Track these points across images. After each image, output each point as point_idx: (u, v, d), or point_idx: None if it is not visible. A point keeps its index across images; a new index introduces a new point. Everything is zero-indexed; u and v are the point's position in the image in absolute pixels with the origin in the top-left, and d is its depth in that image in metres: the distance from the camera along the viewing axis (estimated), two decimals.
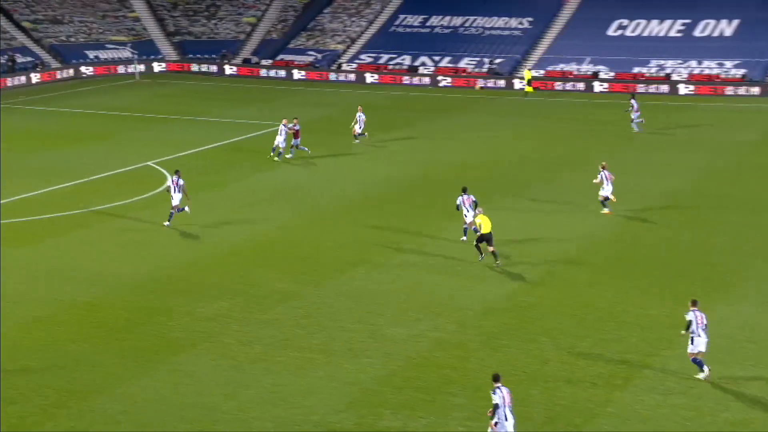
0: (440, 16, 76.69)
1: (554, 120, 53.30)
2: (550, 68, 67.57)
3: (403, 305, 24.62)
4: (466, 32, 74.44)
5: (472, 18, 75.60)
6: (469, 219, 29.08)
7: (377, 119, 53.82)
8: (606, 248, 29.11)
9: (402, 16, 77.99)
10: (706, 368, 20.05)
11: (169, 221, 31.58)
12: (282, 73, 72.97)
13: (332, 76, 71.41)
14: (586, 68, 66.85)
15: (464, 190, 29.74)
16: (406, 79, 69.11)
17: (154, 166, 41.41)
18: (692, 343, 20.10)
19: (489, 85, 66.82)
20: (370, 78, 70.13)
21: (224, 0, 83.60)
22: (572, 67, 67.28)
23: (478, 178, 38.42)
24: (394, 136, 48.15)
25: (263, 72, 73.63)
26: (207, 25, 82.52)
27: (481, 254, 27.48)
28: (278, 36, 79.89)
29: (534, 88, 63.54)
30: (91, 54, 75.85)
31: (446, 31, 75.19)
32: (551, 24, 73.41)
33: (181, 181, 31.57)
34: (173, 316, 23.93)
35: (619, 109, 51.95)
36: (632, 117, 47.98)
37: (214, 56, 78.36)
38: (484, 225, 27.30)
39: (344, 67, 72.79)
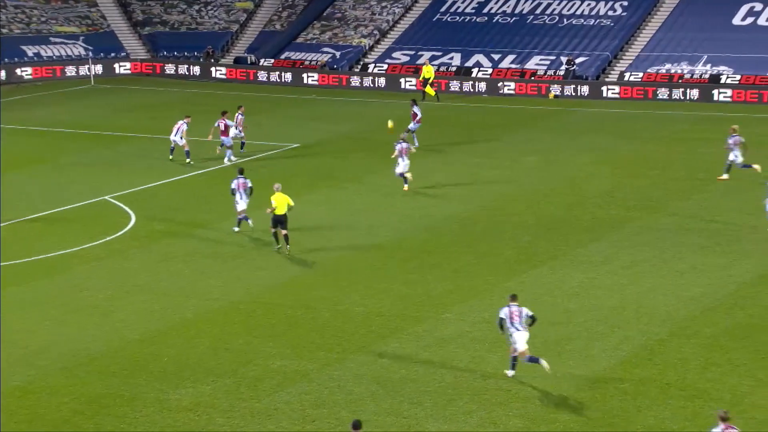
0: (502, 0, 77.39)
1: (650, 140, 53.36)
2: (651, 70, 67.80)
3: (448, 392, 24.68)
4: (536, 22, 75.04)
5: (546, 2, 76.29)
6: (240, 207, 36.19)
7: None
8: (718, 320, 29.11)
9: (450, 0, 78.84)
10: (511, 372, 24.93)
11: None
12: (287, 76, 73.88)
13: (355, 81, 72.13)
14: (702, 69, 66.99)
15: (240, 172, 37.02)
16: (454, 85, 69.67)
17: (113, 201, 41.95)
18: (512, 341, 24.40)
19: (567, 93, 67.14)
20: (405, 83, 70.73)
21: None
22: (682, 69, 67.45)
23: (551, 216, 38.54)
24: (438, 161, 48.54)
25: (262, 75, 74.62)
26: (187, 13, 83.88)
27: (278, 243, 34.26)
28: (282, 27, 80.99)
29: (428, 88, 65.45)
30: (29, 50, 77.24)
31: (510, 20, 75.83)
32: (653, 10, 73.84)
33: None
34: (137, 405, 24.08)
35: (749, 125, 51.90)
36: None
37: (196, 54, 79.54)
38: (279, 206, 33.81)
39: (371, 68, 73.54)
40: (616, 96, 65.94)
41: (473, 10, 77.53)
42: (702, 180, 44.72)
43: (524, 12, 76.08)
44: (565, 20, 74.44)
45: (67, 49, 78.57)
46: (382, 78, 71.43)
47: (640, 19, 73.16)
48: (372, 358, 26.59)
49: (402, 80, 70.82)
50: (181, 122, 48.06)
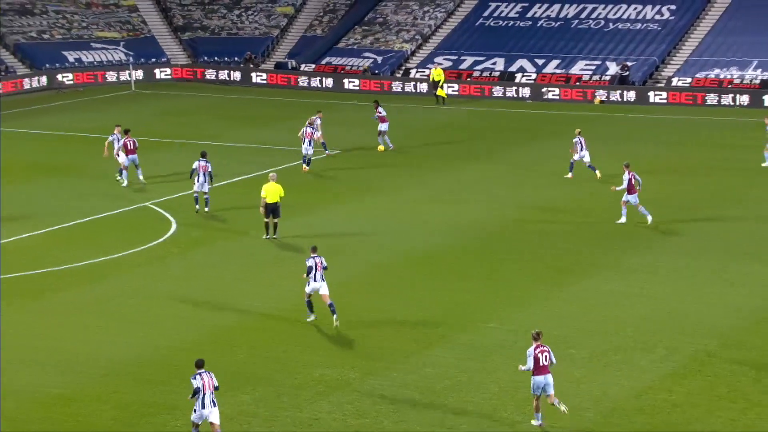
0: (546, 4, 77.26)
1: (699, 147, 52.98)
2: (699, 75, 67.34)
3: (493, 401, 24.60)
4: (582, 26, 74.83)
5: (591, 6, 75.99)
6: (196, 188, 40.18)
7: (454, 144, 54.24)
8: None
9: (493, 5, 78.83)
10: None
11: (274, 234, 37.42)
12: (328, 81, 74.06)
13: (396, 86, 72.21)
14: (752, 75, 66.47)
15: (203, 155, 40.67)
16: (497, 90, 69.54)
17: (154, 207, 42.21)
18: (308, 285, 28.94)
19: (613, 98, 66.81)
20: (448, 88, 70.68)
21: None
22: (732, 74, 66.93)
23: (596, 224, 38.36)
24: (480, 168, 48.44)
25: (302, 80, 74.86)
26: (228, 18, 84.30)
27: (267, 233, 36.49)
28: (323, 32, 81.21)
29: (440, 90, 66.60)
30: (70, 56, 77.96)
31: (554, 24, 75.66)
32: (702, 14, 73.35)
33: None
34: (177, 413, 24.17)
35: None
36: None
37: (236, 59, 79.94)
38: (270, 195, 35.91)
39: (413, 73, 73.57)
40: (664, 102, 65.55)
41: (517, 15, 77.38)
42: (750, 187, 44.36)
43: (569, 16, 75.85)
44: (611, 24, 74.14)
45: (107, 55, 79.20)
46: (423, 83, 71.39)
47: (688, 23, 72.69)
48: (414, 367, 26.55)
49: (444, 86, 70.62)
50: (313, 123, 48.19)
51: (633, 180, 38.42)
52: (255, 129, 55.43)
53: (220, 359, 27.14)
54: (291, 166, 48.87)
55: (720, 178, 46.09)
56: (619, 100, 66.59)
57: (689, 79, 67.10)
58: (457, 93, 69.87)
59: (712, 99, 64.78)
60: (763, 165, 47.45)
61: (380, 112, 51.75)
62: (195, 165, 40.53)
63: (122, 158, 45.92)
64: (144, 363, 26.95)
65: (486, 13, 78.32)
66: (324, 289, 29.14)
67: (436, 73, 67.92)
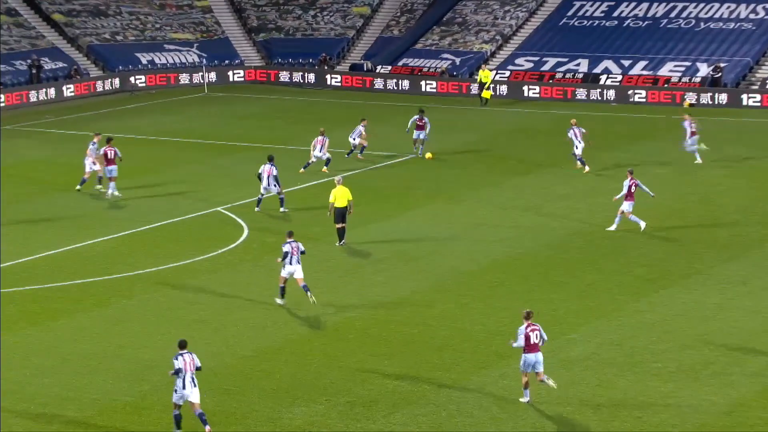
0: (634, 3, 76.61)
1: None
2: None
3: (576, 416, 24.41)
4: (671, 26, 74.05)
5: (681, 5, 75.15)
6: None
7: (536, 149, 53.97)
8: None
9: (577, 4, 78.35)
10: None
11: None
12: (405, 84, 74.14)
13: (475, 89, 72.00)
14: None
15: (270, 159, 41.57)
16: (581, 93, 69.05)
17: (226, 212, 42.56)
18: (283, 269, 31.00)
19: (704, 101, 65.93)
20: (529, 91, 70.38)
21: None
22: None
23: (684, 233, 37.92)
24: (560, 173, 48.19)
25: (379, 82, 75.00)
26: (303, 19, 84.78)
27: (341, 239, 36.93)
28: (400, 33, 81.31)
29: (485, 92, 67.30)
30: (143, 58, 78.97)
31: (642, 24, 74.99)
32: None
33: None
34: (249, 423, 24.36)
35: None
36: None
37: (311, 61, 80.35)
38: (339, 199, 36.47)
39: (493, 75, 73.30)
40: (758, 104, 64.59)
41: (602, 14, 76.83)
42: None
43: (657, 15, 75.09)
44: (702, 24, 73.22)
45: (181, 57, 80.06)
46: (504, 86, 71.14)
47: None
48: (493, 379, 26.44)
49: (525, 88, 70.45)
50: (321, 137, 47.96)
51: (634, 187, 38.26)
52: (329, 132, 55.48)
53: (294, 368, 27.29)
54: (364, 170, 48.99)
55: None
56: (710, 102, 65.70)
57: None
58: (538, 95, 69.51)
59: None
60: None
61: (426, 121, 51.31)
62: (261, 169, 41.45)
63: (89, 167, 45.59)
64: (215, 371, 27.12)
65: (570, 13, 77.83)
66: (299, 273, 31.34)
67: (484, 75, 68.36)
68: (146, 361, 27.92)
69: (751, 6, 73.12)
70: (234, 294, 33.00)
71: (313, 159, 47.67)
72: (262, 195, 41.87)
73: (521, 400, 24.90)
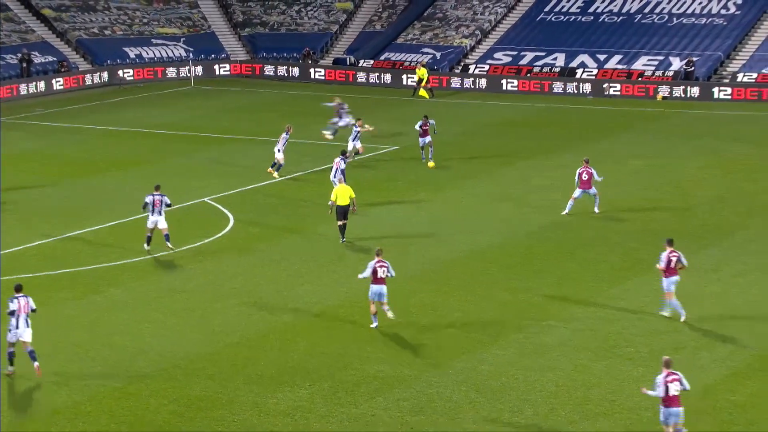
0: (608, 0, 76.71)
1: (764, 144, 52.44)
2: (766, 70, 66.50)
3: (551, 400, 24.52)
4: (645, 21, 74.22)
5: (654, 1, 75.35)
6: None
7: (514, 141, 54.09)
8: None
9: (554, 0, 78.31)
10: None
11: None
12: (387, 77, 74.14)
13: (455, 82, 72.12)
14: None
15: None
16: (558, 86, 69.18)
17: (212, 203, 42.54)
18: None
19: (676, 94, 66.18)
20: (507, 84, 70.50)
21: None
22: None
23: (658, 222, 38.13)
24: (539, 164, 48.27)
25: (361, 76, 74.99)
26: (287, 14, 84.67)
27: (343, 236, 36.15)
28: (382, 28, 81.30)
29: (428, 90, 67.06)
30: (131, 52, 78.79)
31: (617, 19, 75.14)
32: None
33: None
34: (235, 409, 24.39)
35: None
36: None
37: (295, 55, 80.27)
38: (341, 197, 35.78)
39: (472, 69, 73.41)
40: (728, 98, 64.83)
41: (578, 10, 76.97)
42: None
43: (632, 11, 75.28)
44: (675, 19, 73.43)
45: (168, 51, 79.92)
46: (483, 79, 71.27)
47: (754, 17, 71.77)
48: (471, 365, 26.54)
49: (504, 81, 70.56)
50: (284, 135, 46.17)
51: (585, 174, 38.91)
52: (313, 125, 55.54)
53: (278, 355, 27.35)
54: (352, 161, 49.01)
55: None
56: (682, 96, 65.91)
57: (755, 75, 66.27)
58: (516, 89, 69.63)
59: None
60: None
61: (426, 125, 48.68)
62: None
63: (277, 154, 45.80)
64: (202, 358, 27.18)
65: (547, 8, 77.96)
66: (162, 223, 34.34)
67: (420, 72, 68.74)
68: (134, 348, 27.92)
69: (722, 2, 73.33)
70: (220, 283, 33.02)
71: (278, 157, 46.04)
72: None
73: (371, 326, 28.15)
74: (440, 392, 25.02)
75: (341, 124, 52.68)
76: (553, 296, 31.27)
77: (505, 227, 38.57)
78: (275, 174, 46.02)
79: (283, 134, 46.25)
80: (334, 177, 40.04)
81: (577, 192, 39.24)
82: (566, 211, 39.41)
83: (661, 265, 28.61)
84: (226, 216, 40.38)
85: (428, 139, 48.15)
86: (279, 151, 45.95)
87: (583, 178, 38.98)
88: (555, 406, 24.27)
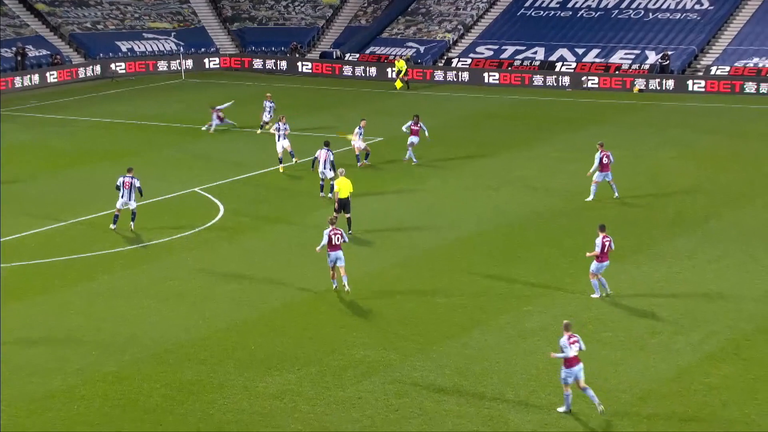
0: None
1: (737, 135, 52.58)
2: (738, 64, 66.70)
3: (531, 383, 24.60)
4: (622, 16, 74.33)
5: None
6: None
7: (496, 133, 54.16)
8: None
9: None
10: None
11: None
12: (372, 70, 74.06)
13: (438, 75, 72.10)
14: None
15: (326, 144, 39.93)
16: (538, 79, 69.25)
17: (202, 192, 42.48)
18: None
19: (652, 87, 66.33)
20: (489, 77, 70.51)
21: None
22: None
23: (635, 211, 38.20)
24: (521, 155, 48.34)
25: (347, 69, 74.91)
26: (275, 9, 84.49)
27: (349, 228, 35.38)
28: (368, 23, 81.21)
29: (405, 83, 67.87)
30: (123, 46, 78.54)
31: (594, 14, 75.23)
32: (741, 3, 72.65)
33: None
34: (225, 392, 24.41)
35: None
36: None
37: (283, 49, 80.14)
38: (341, 190, 35.25)
39: (455, 63, 73.41)
40: (702, 90, 64.99)
41: (557, 5, 77.04)
42: None
43: (609, 6, 75.41)
44: (650, 14, 73.59)
45: (159, 45, 79.70)
46: (465, 72, 71.29)
47: (727, 12, 71.98)
48: (455, 349, 26.61)
49: (486, 75, 70.57)
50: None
51: (605, 159, 39.10)
52: (300, 117, 55.49)
53: (267, 340, 27.35)
54: (336, 152, 48.97)
55: (758, 167, 45.64)
56: (658, 88, 66.07)
57: (728, 68, 66.45)
58: (497, 82, 69.68)
59: (750, 87, 64.12)
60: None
61: (415, 126, 47.18)
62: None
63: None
64: (194, 343, 27.17)
65: (527, 4, 77.98)
66: (132, 205, 36.02)
67: (399, 65, 69.41)
68: (127, 333, 27.89)
69: None
70: (210, 270, 32.98)
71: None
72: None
73: (333, 286, 29.04)
74: (424, 376, 25.07)
75: (266, 118, 52.78)
76: (534, 283, 31.32)
77: (487, 216, 38.62)
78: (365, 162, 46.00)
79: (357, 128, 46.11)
80: (324, 168, 39.94)
81: (599, 176, 39.37)
82: (590, 197, 39.52)
83: (597, 250, 29.34)
84: (217, 205, 40.32)
85: (416, 139, 46.51)
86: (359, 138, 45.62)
87: (604, 162, 39.15)
88: (536, 388, 24.35)
